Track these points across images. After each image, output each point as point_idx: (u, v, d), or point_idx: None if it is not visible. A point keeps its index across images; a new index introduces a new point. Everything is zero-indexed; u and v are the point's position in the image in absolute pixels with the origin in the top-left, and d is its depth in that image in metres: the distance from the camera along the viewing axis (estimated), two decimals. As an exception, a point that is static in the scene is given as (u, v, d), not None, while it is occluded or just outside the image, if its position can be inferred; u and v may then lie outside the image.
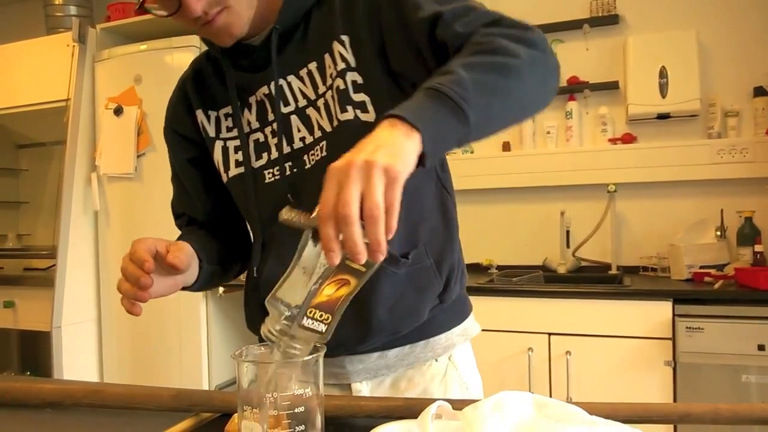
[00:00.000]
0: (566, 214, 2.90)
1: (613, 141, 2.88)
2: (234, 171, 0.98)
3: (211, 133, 1.01)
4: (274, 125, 0.93)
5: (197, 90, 1.02)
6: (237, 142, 0.98)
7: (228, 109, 0.99)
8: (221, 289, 2.75)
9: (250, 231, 1.03)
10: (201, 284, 0.96)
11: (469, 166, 3.09)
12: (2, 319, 3.00)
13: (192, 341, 2.80)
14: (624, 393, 2.25)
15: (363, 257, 0.57)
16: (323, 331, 0.61)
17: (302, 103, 0.92)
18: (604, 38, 2.94)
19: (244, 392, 0.61)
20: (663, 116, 2.77)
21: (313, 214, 0.59)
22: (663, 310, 2.23)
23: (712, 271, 2.42)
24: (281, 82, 0.93)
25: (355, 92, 0.87)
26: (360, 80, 0.88)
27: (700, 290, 2.28)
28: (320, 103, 0.91)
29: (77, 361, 2.91)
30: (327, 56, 0.90)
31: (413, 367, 0.98)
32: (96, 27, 3.03)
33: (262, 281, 0.96)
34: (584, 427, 0.58)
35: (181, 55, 2.78)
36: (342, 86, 0.88)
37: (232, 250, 1.06)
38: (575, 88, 2.94)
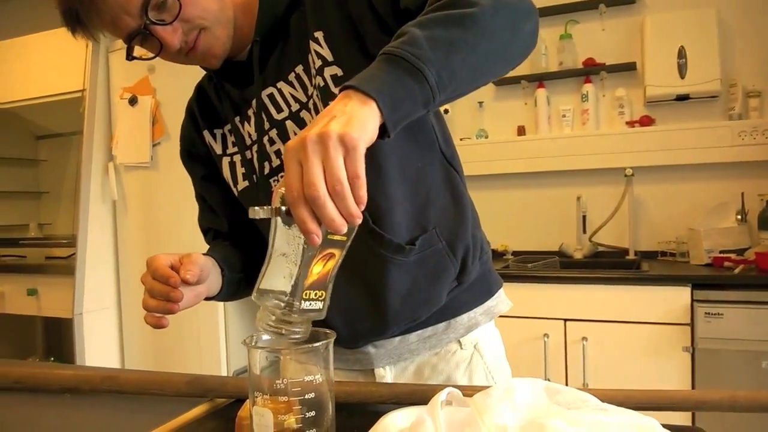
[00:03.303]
0: (583, 198, 2.88)
1: (630, 124, 2.84)
2: (242, 184, 1.00)
3: (218, 150, 1.03)
4: (270, 133, 0.94)
5: (201, 111, 1.05)
6: (228, 159, 1.01)
7: (222, 129, 1.02)
8: (238, 277, 2.76)
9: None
10: (226, 294, 0.97)
11: (484, 150, 3.07)
12: (26, 307, 3.05)
13: (210, 327, 2.83)
14: (641, 379, 2.23)
15: (344, 228, 0.56)
16: (320, 308, 0.61)
17: (295, 107, 0.92)
18: (621, 18, 2.89)
19: (256, 378, 0.61)
20: (682, 98, 2.72)
21: (276, 199, 0.58)
22: (681, 295, 2.20)
23: (732, 256, 2.39)
24: (272, 90, 0.93)
25: (336, 86, 0.86)
26: (340, 72, 0.86)
27: (719, 275, 2.25)
28: (310, 104, 0.91)
29: (98, 347, 2.95)
30: (309, 57, 0.90)
31: (437, 353, 0.98)
32: (111, 17, 3.04)
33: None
34: (596, 414, 0.57)
35: (195, 43, 2.78)
36: (322, 83, 0.87)
37: (257, 257, 1.07)
38: (591, 70, 2.90)
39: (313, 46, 0.89)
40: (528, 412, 0.57)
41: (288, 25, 0.93)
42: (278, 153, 0.94)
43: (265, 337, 0.65)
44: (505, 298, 1.08)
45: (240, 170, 1.00)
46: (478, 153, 3.05)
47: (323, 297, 0.61)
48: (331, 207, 0.55)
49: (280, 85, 0.93)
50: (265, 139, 0.95)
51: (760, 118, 2.64)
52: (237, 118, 0.98)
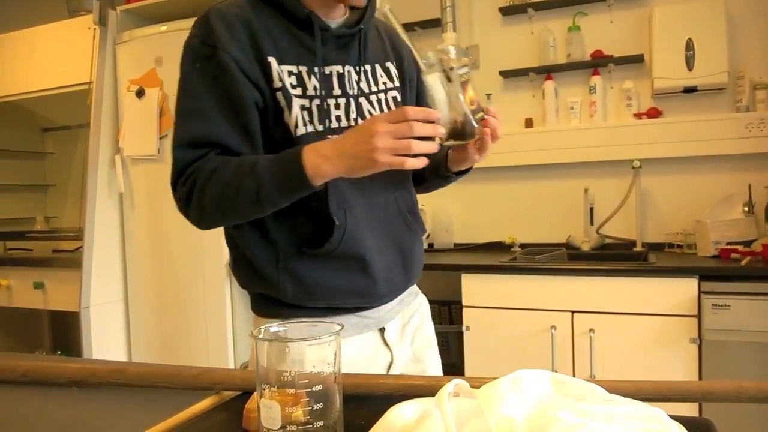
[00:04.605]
0: (590, 190, 2.87)
1: (638, 116, 2.83)
2: (302, 129, 1.03)
3: (291, 89, 1.04)
4: (339, 100, 1.07)
5: (267, 38, 1.03)
6: (303, 102, 1.04)
7: (293, 68, 1.03)
8: (244, 269, 2.77)
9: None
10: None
11: (491, 143, 3.06)
12: (33, 300, 3.07)
13: (217, 320, 2.84)
14: (648, 371, 2.23)
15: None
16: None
17: (355, 92, 1.10)
18: (629, 10, 2.87)
19: (263, 371, 0.61)
20: (689, 90, 2.70)
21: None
22: (689, 287, 2.20)
23: (739, 248, 2.38)
24: (348, 68, 1.09)
25: (395, 105, 1.16)
26: (399, 98, 1.18)
27: (726, 267, 2.24)
28: (373, 98, 1.12)
29: (106, 340, 2.97)
30: (378, 67, 1.15)
31: (407, 305, 1.25)
32: (116, 9, 3.04)
33: (345, 237, 1.05)
34: (603, 405, 0.57)
35: (201, 35, 2.78)
36: (397, 98, 1.17)
37: None
38: (599, 62, 2.88)
39: (391, 66, 1.18)
40: (535, 403, 0.57)
41: (367, 33, 1.14)
42: (338, 118, 1.07)
43: (273, 329, 0.65)
44: None
45: (304, 115, 1.04)
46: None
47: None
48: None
49: (349, 68, 1.10)
50: (331, 101, 1.06)
51: (767, 110, 2.62)
52: (305, 68, 1.04)
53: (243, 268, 1.11)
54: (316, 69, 1.04)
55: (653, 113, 2.79)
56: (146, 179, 2.96)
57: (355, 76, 1.10)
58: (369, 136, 0.90)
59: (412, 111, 0.90)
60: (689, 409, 2.12)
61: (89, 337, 2.88)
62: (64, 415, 0.84)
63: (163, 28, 2.87)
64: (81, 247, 2.91)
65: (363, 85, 1.11)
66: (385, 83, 1.15)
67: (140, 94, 2.87)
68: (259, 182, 0.95)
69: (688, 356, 2.20)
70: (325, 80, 1.06)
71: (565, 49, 2.96)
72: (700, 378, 2.18)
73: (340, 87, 1.07)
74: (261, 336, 0.63)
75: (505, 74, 3.06)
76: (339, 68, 1.07)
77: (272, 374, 0.60)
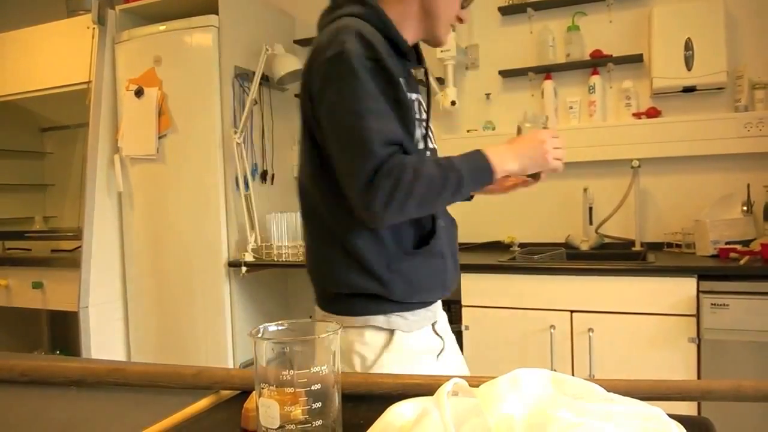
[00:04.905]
0: (589, 190, 2.87)
1: (637, 115, 2.83)
2: (420, 144, 1.21)
3: (415, 111, 1.21)
4: (419, 123, 1.22)
5: (390, 61, 1.14)
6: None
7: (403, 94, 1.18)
8: (244, 269, 2.78)
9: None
10: None
11: (491, 142, 3.05)
12: (31, 300, 3.07)
13: (216, 320, 2.84)
14: (647, 370, 2.23)
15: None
16: None
17: (424, 117, 1.26)
18: (628, 10, 2.87)
19: (262, 370, 0.61)
20: (688, 89, 2.70)
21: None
22: (687, 286, 2.20)
23: (738, 247, 2.38)
24: (420, 97, 1.26)
25: (431, 134, 1.30)
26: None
27: (725, 266, 2.24)
28: (426, 124, 1.26)
29: (105, 340, 2.97)
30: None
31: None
32: (115, 8, 3.04)
33: (437, 248, 1.21)
34: (602, 404, 0.57)
35: (200, 35, 2.78)
36: (431, 127, 1.29)
37: None
38: (598, 62, 2.88)
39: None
40: (534, 402, 0.57)
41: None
42: (430, 139, 1.28)
43: (272, 328, 0.65)
44: None
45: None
46: (484, 145, 3.03)
47: None
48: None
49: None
50: (418, 123, 1.21)
51: (766, 110, 2.62)
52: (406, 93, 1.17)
53: (344, 269, 1.16)
54: (410, 95, 1.19)
55: (652, 113, 2.79)
56: (145, 179, 2.96)
57: (423, 105, 1.26)
58: (541, 143, 1.20)
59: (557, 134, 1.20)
60: (688, 408, 2.12)
61: (88, 337, 2.88)
62: (62, 415, 0.84)
63: (162, 27, 2.87)
64: (80, 246, 2.91)
65: (425, 112, 1.27)
66: (427, 113, 1.29)
67: (139, 93, 2.87)
68: (460, 176, 1.10)
69: (686, 355, 2.20)
70: (414, 105, 1.21)
71: (564, 49, 2.96)
72: (698, 377, 2.18)
73: (418, 112, 1.23)
74: (260, 335, 0.63)
75: (505, 74, 3.06)
76: (419, 97, 1.25)
77: (271, 373, 0.60)
